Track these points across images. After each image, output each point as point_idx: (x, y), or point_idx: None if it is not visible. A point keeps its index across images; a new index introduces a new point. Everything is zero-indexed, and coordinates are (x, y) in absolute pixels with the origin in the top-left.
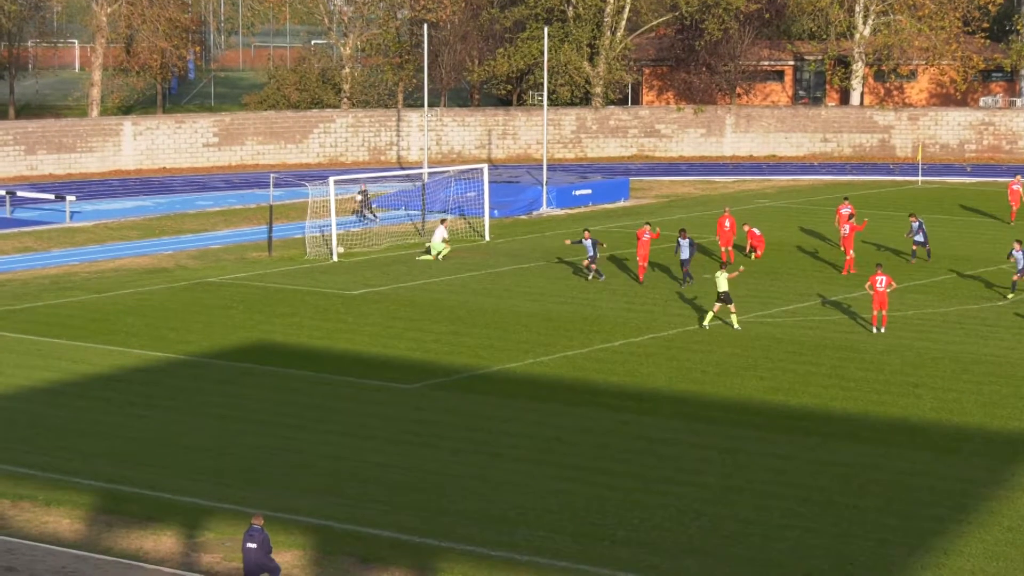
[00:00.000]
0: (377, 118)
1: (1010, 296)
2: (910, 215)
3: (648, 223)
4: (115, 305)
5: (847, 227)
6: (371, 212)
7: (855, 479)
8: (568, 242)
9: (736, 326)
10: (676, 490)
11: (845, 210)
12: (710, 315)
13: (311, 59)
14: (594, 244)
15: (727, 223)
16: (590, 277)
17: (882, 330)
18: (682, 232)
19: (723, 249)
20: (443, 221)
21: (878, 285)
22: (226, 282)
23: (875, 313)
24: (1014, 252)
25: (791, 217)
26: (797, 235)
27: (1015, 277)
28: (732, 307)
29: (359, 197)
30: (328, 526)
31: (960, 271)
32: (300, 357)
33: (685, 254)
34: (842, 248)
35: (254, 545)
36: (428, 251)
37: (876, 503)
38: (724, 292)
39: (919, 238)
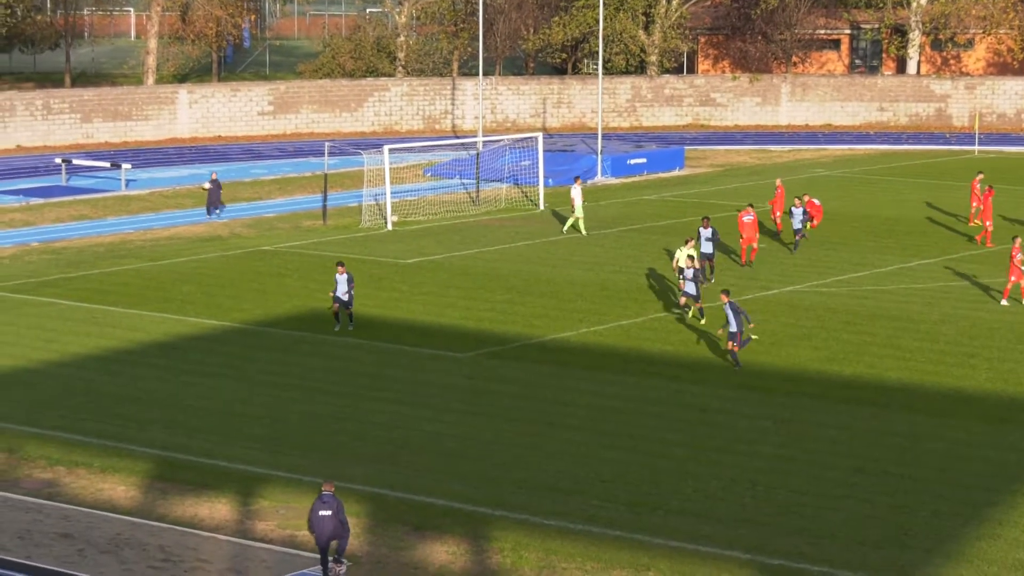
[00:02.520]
0: (432, 87)
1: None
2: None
3: (751, 204)
4: (170, 273)
5: (982, 197)
6: (216, 206)
7: (910, 449)
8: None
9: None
10: (730, 460)
11: (979, 186)
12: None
13: (366, 27)
14: (348, 280)
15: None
16: (337, 328)
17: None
18: (705, 220)
19: (774, 219)
20: (577, 179)
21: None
22: (280, 250)
23: (1010, 284)
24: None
25: (847, 187)
26: (853, 205)
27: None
28: (683, 283)
29: (207, 186)
30: (382, 494)
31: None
32: (354, 325)
33: (707, 248)
34: (979, 221)
35: (328, 512)
36: (571, 221)
37: (930, 473)
38: (684, 268)
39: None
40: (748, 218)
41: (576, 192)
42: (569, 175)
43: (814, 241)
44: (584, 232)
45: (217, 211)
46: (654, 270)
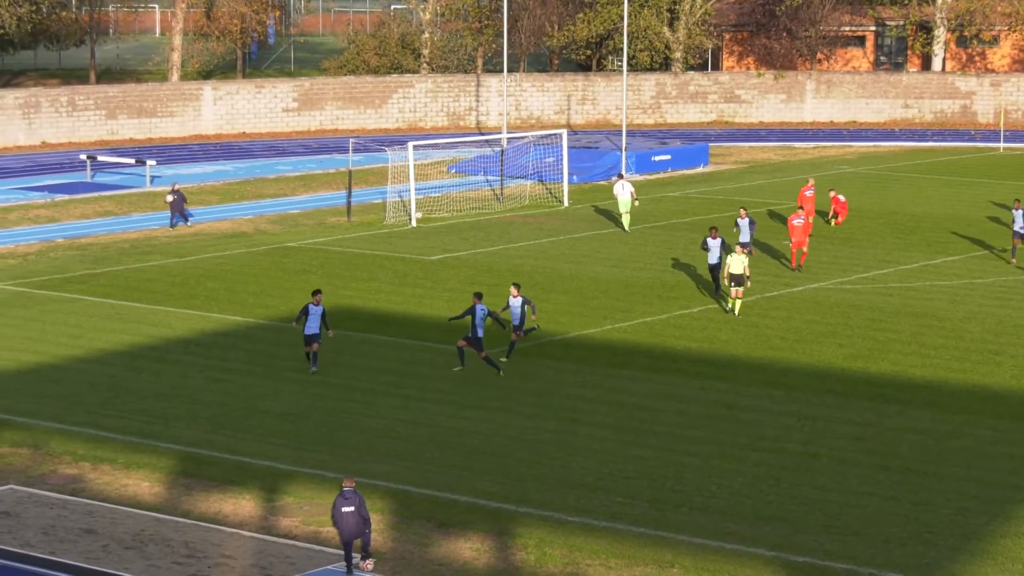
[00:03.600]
0: (456, 83)
1: None
2: (1016, 201)
3: (802, 206)
4: (195, 269)
5: None
6: (180, 217)
7: (934, 447)
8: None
9: (736, 312)
10: (754, 456)
11: None
12: (736, 301)
13: (391, 24)
14: (323, 315)
15: (808, 193)
16: (314, 369)
17: None
18: (713, 231)
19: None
20: (620, 176)
21: None
22: (305, 247)
23: None
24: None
25: (872, 183)
26: (877, 202)
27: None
28: (740, 291)
29: (170, 198)
30: (406, 491)
31: None
32: (378, 322)
33: (714, 258)
34: None
35: (351, 508)
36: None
37: (955, 471)
38: (739, 275)
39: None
40: (798, 221)
41: (618, 188)
42: (593, 172)
43: (839, 238)
44: (626, 228)
45: (179, 223)
46: (679, 267)
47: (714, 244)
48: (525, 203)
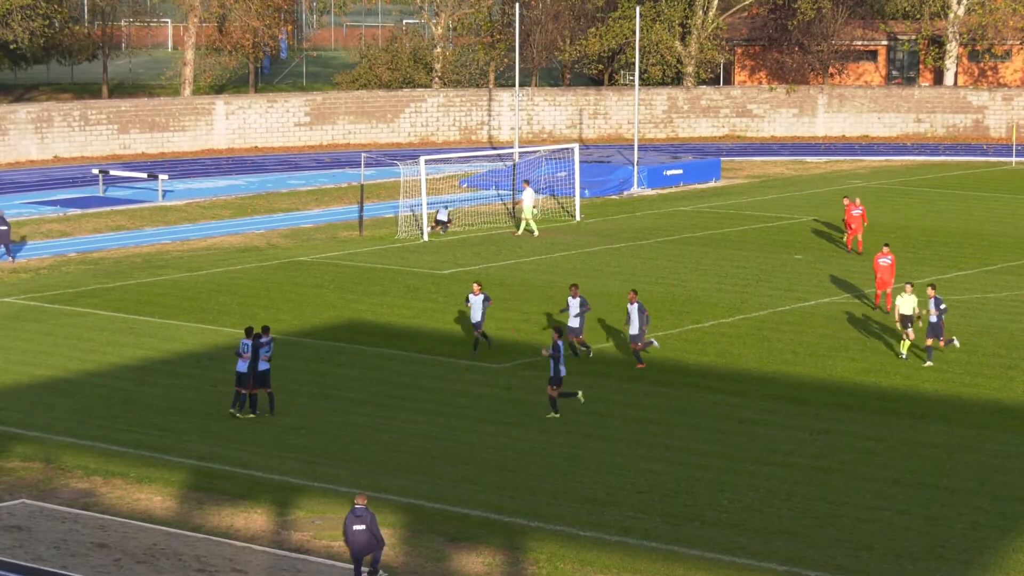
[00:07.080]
0: (468, 97)
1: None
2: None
3: (887, 244)
4: (207, 284)
5: None
6: (6, 248)
7: (946, 461)
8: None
9: (903, 354)
10: (766, 471)
11: None
12: (905, 343)
13: (403, 38)
14: (266, 339)
15: (855, 211)
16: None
17: None
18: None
19: (853, 238)
20: (526, 183)
21: None
22: (317, 261)
23: None
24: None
25: (883, 198)
26: (889, 216)
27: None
28: (907, 333)
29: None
30: (418, 505)
31: None
32: (390, 336)
33: (635, 328)
34: None
35: (362, 527)
36: (525, 224)
37: (968, 485)
38: (908, 315)
39: None
40: (885, 260)
41: (526, 195)
42: (605, 186)
43: (851, 252)
44: (536, 233)
45: (9, 257)
46: (690, 281)
47: (632, 309)
48: (537, 217)
